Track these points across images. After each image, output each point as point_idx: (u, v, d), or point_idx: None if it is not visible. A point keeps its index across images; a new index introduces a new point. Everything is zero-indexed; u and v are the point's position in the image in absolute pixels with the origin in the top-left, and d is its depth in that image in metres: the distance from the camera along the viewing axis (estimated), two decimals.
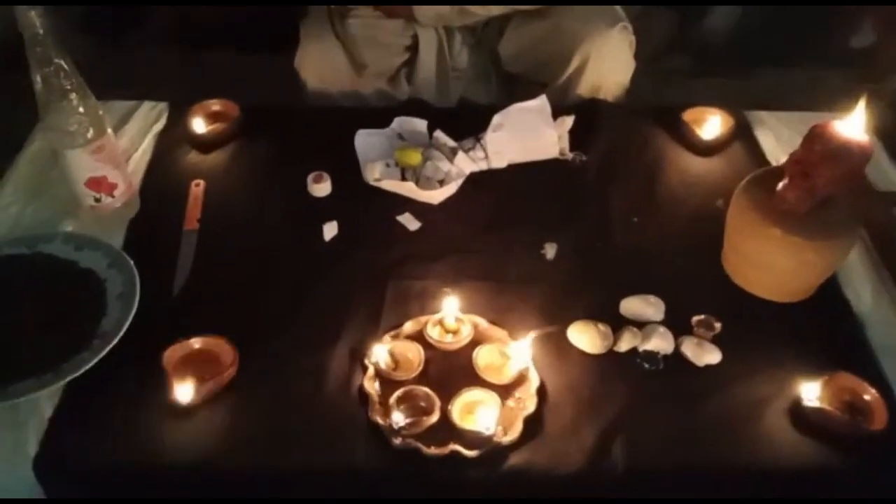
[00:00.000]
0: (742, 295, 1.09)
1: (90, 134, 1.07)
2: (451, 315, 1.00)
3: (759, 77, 2.27)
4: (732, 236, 1.09)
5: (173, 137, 1.31)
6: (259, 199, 1.21)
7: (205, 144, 1.28)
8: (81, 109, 1.05)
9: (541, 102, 1.26)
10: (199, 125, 1.27)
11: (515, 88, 1.60)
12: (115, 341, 0.97)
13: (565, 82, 1.45)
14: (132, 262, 1.06)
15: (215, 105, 1.33)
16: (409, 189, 1.18)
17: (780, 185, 1.01)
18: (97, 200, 1.12)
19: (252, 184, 1.24)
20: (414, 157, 1.19)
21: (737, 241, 1.08)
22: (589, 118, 1.35)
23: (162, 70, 1.85)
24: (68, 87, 1.03)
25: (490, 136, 1.23)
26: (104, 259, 1.07)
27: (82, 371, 0.94)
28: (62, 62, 1.02)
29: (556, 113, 1.31)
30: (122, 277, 1.05)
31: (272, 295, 1.07)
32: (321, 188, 1.20)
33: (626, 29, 1.43)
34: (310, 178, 1.21)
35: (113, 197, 1.13)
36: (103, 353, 0.96)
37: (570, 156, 1.28)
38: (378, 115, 1.33)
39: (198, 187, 1.21)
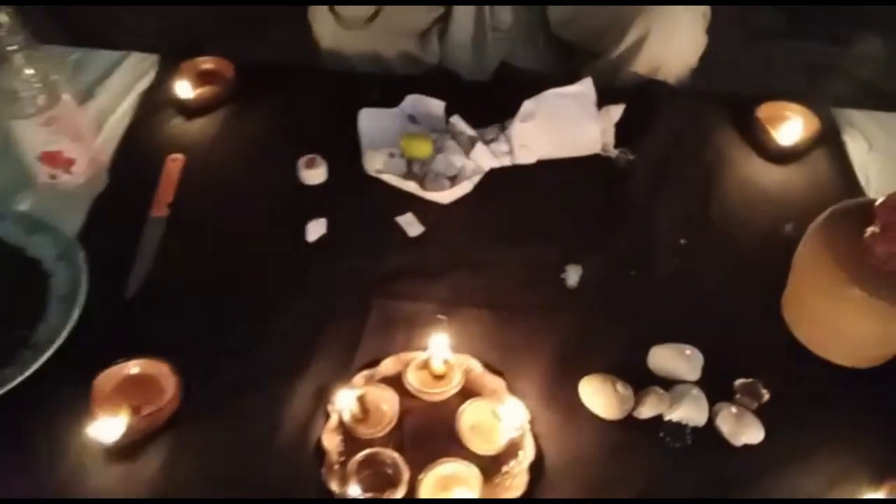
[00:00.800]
0: (801, 354, 0.89)
1: (41, 102, 0.91)
2: (439, 357, 0.83)
3: (869, 43, 1.95)
4: (799, 284, 0.88)
5: (159, 98, 1.14)
6: (242, 181, 1.05)
7: (190, 110, 1.11)
8: (29, 72, 0.89)
9: (583, 88, 1.05)
10: (184, 89, 1.10)
11: (566, 55, 1.37)
12: (49, 353, 0.84)
13: (620, 56, 1.22)
14: (83, 256, 0.92)
15: (207, 63, 1.15)
16: (412, 188, 0.99)
17: (869, 232, 0.79)
18: (52, 177, 0.98)
19: (237, 162, 1.08)
20: (422, 149, 1.01)
21: (804, 291, 0.87)
22: (642, 105, 1.12)
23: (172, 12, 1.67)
24: (11, 47, 0.87)
25: (517, 127, 1.02)
26: (54, 248, 0.93)
27: (6, 389, 0.81)
28: (3, 16, 0.85)
29: (603, 97, 1.09)
30: (69, 273, 0.91)
31: (237, 307, 0.91)
32: (314, 174, 1.03)
33: None
34: (301, 161, 1.03)
35: (71, 174, 0.98)
36: (33, 367, 0.83)
37: (613, 153, 1.07)
38: (398, 85, 1.14)
39: (174, 163, 1.05)
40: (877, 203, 0.79)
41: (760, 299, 0.93)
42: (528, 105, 1.03)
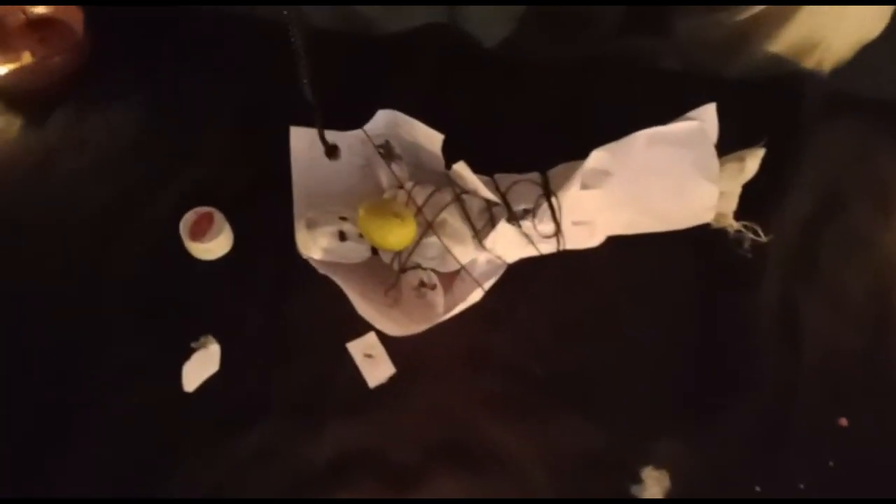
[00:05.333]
0: None
1: None
2: None
3: None
4: None
5: None
6: (74, 259, 0.60)
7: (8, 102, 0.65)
8: None
9: (696, 126, 0.58)
10: None
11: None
12: None
13: (752, 20, 0.73)
14: None
15: (39, 8, 0.66)
16: (370, 315, 0.55)
17: None
18: None
19: (75, 214, 0.62)
20: (398, 235, 0.55)
21: None
22: (784, 127, 0.66)
23: None
24: None
25: (573, 196, 0.56)
26: None
27: None
28: None
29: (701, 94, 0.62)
30: None
31: None
32: (207, 248, 0.58)
33: None
34: (186, 222, 0.58)
35: None
36: None
37: (733, 225, 0.62)
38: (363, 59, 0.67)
39: None
40: None
41: None
42: (598, 157, 0.56)
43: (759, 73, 0.75)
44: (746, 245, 0.62)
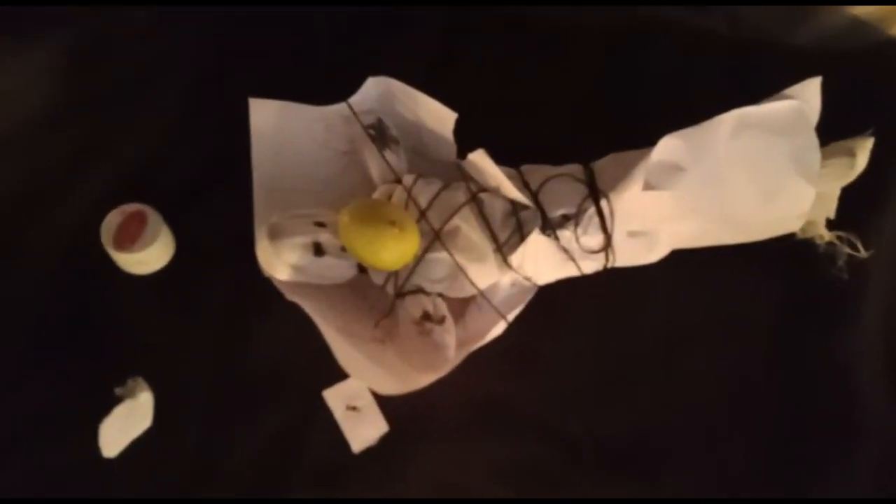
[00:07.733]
0: None
1: None
2: None
3: None
4: None
5: None
6: None
7: None
8: None
9: (796, 107, 0.43)
10: None
11: None
12: None
13: None
14: None
15: None
16: (354, 367, 0.40)
17: None
18: None
19: None
20: (396, 248, 0.40)
21: None
22: (886, 117, 0.51)
23: None
24: None
25: (629, 199, 0.42)
26: None
27: None
28: None
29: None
30: None
31: None
32: (138, 259, 0.44)
33: None
34: (110, 222, 0.44)
35: None
36: None
37: (824, 238, 0.48)
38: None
39: None
40: None
41: None
42: (668, 147, 0.42)
43: (836, 40, 0.61)
44: (841, 262, 0.48)
